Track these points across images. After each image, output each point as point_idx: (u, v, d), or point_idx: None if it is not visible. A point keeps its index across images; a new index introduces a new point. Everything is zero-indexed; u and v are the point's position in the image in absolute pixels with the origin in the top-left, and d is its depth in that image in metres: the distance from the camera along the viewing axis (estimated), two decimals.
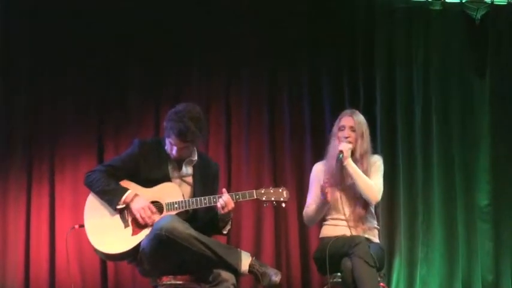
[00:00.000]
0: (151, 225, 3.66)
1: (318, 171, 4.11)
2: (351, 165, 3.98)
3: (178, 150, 3.79)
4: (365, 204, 4.03)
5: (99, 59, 5.18)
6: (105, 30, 5.20)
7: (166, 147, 3.86)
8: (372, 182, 4.00)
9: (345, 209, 4.02)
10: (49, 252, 4.96)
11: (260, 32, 5.41)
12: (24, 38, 5.14)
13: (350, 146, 4.01)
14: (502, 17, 5.68)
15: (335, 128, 4.13)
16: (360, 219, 3.99)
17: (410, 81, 5.54)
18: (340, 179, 4.05)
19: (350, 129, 4.05)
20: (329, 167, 4.08)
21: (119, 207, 3.73)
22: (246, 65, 5.39)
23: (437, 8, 5.63)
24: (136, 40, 5.23)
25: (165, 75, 5.26)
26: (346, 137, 4.03)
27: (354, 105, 5.25)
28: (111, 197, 3.75)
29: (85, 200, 3.84)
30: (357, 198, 4.01)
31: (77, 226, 3.97)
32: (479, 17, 5.62)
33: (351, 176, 3.99)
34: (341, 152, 3.97)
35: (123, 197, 3.72)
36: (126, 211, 3.74)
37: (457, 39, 5.64)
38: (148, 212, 3.71)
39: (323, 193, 3.89)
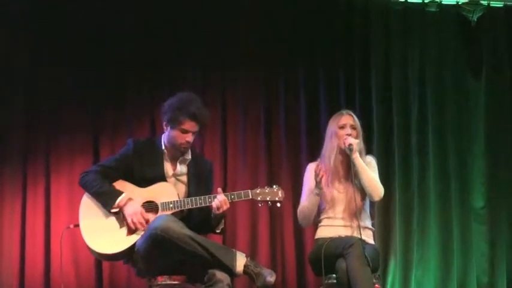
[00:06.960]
0: (143, 231, 3.66)
1: (313, 171, 4.10)
2: (358, 159, 4.01)
3: (189, 137, 3.79)
4: (360, 202, 4.04)
5: (96, 58, 5.17)
6: (103, 30, 5.20)
7: (164, 143, 3.86)
8: (377, 178, 4.05)
9: (341, 206, 4.04)
10: (44, 251, 4.94)
11: (256, 33, 5.41)
12: (23, 36, 5.13)
13: (358, 141, 4.05)
14: (498, 19, 5.70)
15: (333, 127, 4.14)
16: (355, 216, 3.98)
17: (406, 83, 5.55)
18: (343, 173, 4.08)
19: (351, 128, 4.11)
20: (329, 164, 4.09)
21: (112, 211, 3.73)
22: (242, 65, 5.38)
23: (434, 9, 5.63)
24: (133, 40, 5.23)
25: (161, 74, 5.26)
26: (349, 135, 4.07)
27: (350, 106, 5.24)
28: (105, 200, 3.74)
29: (80, 199, 3.83)
30: (353, 196, 4.01)
31: (72, 226, 3.97)
32: (475, 19, 5.63)
33: (358, 170, 4.00)
34: (351, 145, 4.00)
35: (117, 201, 3.71)
36: (121, 211, 3.74)
37: (453, 41, 5.65)
38: (140, 218, 3.69)
39: (317, 179, 3.91)
